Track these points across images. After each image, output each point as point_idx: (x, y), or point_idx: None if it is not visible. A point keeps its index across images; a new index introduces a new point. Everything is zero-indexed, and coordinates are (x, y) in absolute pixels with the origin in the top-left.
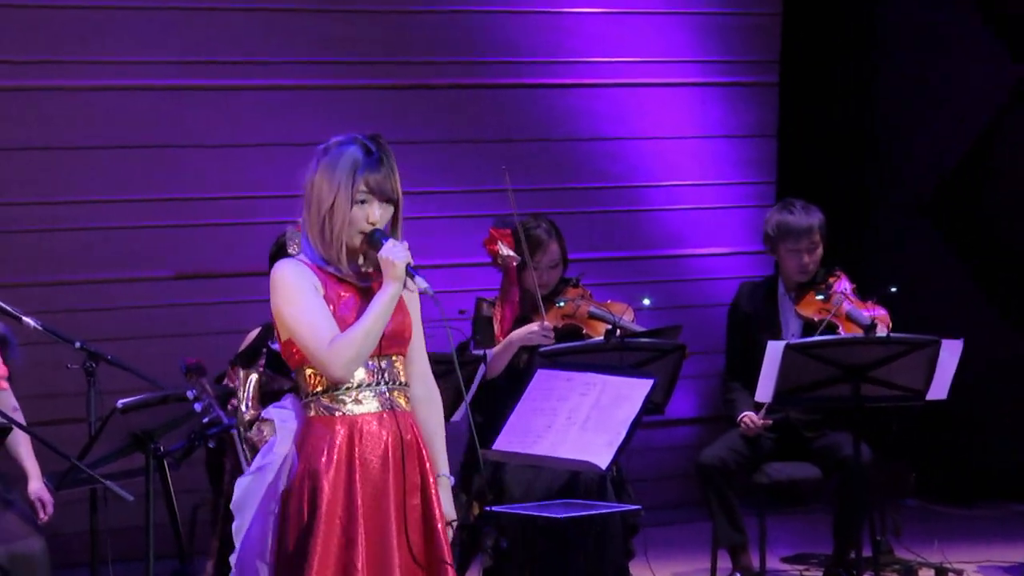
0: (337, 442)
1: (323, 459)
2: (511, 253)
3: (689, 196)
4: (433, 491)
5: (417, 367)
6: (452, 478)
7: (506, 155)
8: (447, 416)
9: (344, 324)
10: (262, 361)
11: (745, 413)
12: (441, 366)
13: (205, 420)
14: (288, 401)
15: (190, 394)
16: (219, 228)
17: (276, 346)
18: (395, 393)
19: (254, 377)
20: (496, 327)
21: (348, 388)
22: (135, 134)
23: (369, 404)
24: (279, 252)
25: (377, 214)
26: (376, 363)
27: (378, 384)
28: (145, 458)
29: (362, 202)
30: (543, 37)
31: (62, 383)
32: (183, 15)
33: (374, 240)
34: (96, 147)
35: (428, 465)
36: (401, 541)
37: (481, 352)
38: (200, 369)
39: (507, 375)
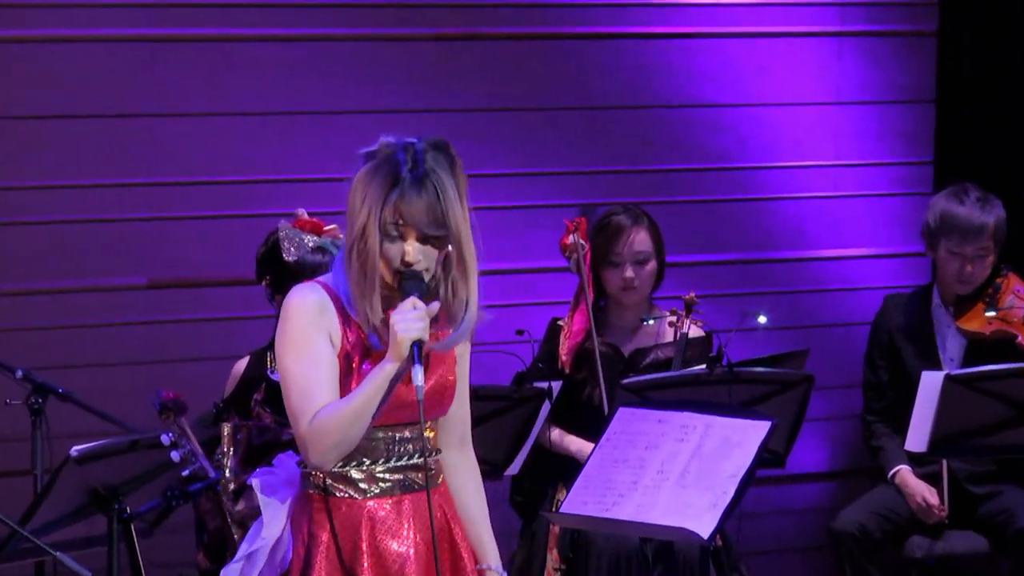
0: (335, 536)
1: (320, 558)
2: (581, 241)
3: (818, 180)
4: None
5: (457, 432)
6: (505, 573)
7: (576, 126)
8: (501, 470)
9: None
10: (259, 395)
11: (900, 468)
12: (493, 403)
13: (185, 473)
14: (280, 466)
15: (165, 439)
16: (205, 222)
17: (277, 376)
18: (410, 469)
19: (239, 429)
20: (561, 346)
21: (359, 463)
22: (92, 100)
23: (387, 484)
24: (269, 254)
25: (412, 253)
26: (391, 432)
27: (401, 458)
28: (108, 522)
29: (393, 236)
30: None
31: (0, 424)
32: None
33: (401, 286)
34: (41, 117)
35: (467, 556)
36: None
37: (545, 385)
38: (179, 406)
39: (580, 413)
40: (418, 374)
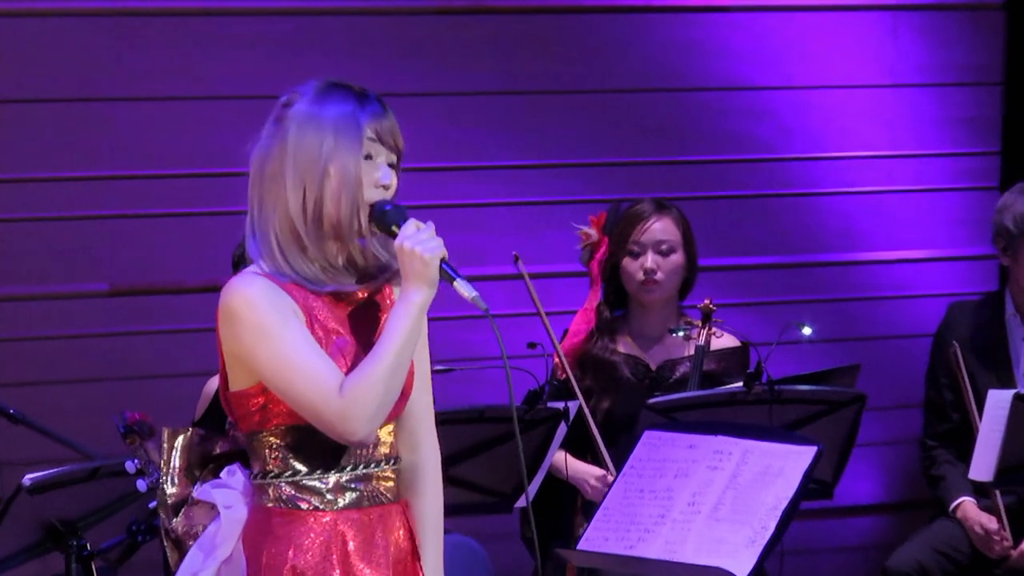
0: (309, 554)
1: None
2: (594, 233)
3: (870, 173)
4: None
5: (422, 428)
6: None
7: (595, 111)
8: (510, 501)
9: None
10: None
11: (963, 499)
12: (501, 425)
13: (153, 504)
14: (235, 476)
15: (130, 466)
16: (174, 220)
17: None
18: (377, 478)
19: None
20: (558, 347)
21: (322, 471)
22: (45, 81)
23: (353, 495)
24: (247, 256)
25: (390, 175)
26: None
27: (360, 465)
28: (65, 560)
29: (368, 157)
30: None
31: None
32: None
33: (386, 216)
34: None
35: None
36: None
37: (560, 406)
38: (146, 429)
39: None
40: (466, 286)
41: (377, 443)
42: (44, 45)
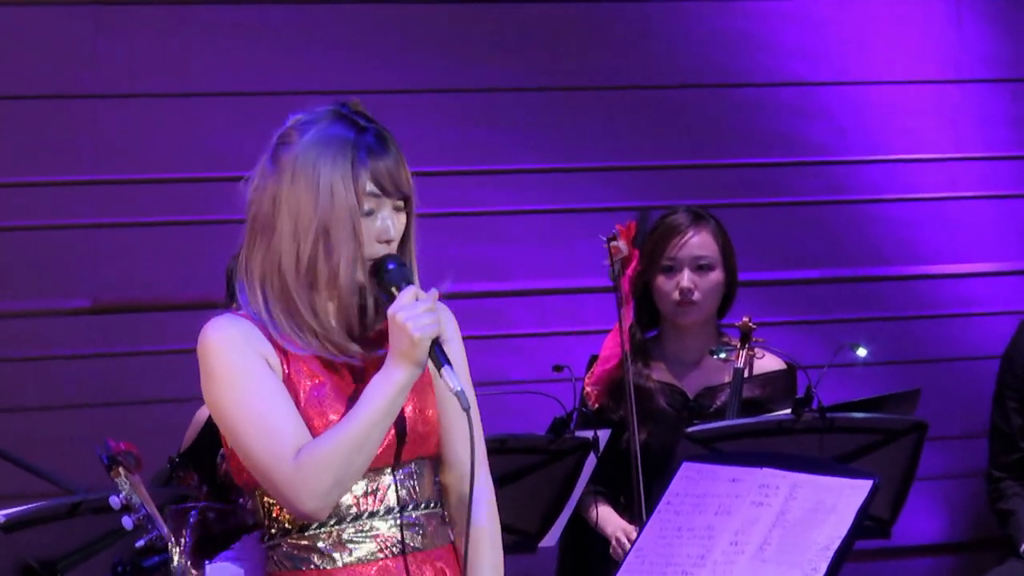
0: None
1: None
2: (624, 247)
3: (933, 178)
4: None
5: (457, 470)
6: None
7: (629, 110)
8: (535, 541)
9: (315, 428)
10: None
11: None
12: (525, 457)
13: (139, 543)
14: (244, 548)
15: (115, 501)
16: (161, 230)
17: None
18: (412, 526)
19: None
20: (588, 375)
21: (326, 522)
22: (19, 77)
23: (364, 547)
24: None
25: (392, 229)
26: (373, 479)
27: (378, 514)
28: None
29: (369, 213)
30: None
31: None
32: None
33: (387, 277)
34: None
35: None
36: None
37: (590, 435)
38: (132, 461)
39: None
40: (452, 377)
41: (406, 485)
42: (15, 36)
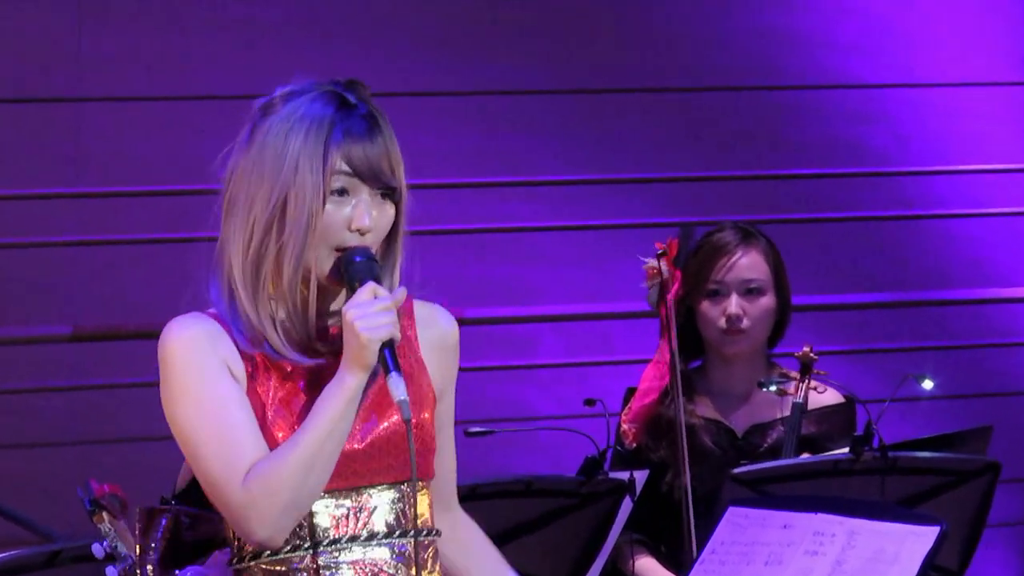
0: None
1: None
2: (665, 268)
3: (1006, 190)
4: None
5: (444, 494)
6: None
7: (669, 115)
8: None
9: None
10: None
11: None
12: (555, 500)
13: None
14: (215, 566)
15: (98, 549)
16: (149, 248)
17: None
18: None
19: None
20: (625, 411)
21: (299, 546)
22: None
23: (336, 572)
24: None
25: (367, 217)
26: (354, 500)
27: (359, 539)
28: None
29: (340, 192)
30: None
31: None
32: None
33: (349, 269)
34: None
35: None
36: None
37: (626, 476)
38: (117, 504)
39: (654, 514)
40: (398, 386)
41: (393, 507)
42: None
